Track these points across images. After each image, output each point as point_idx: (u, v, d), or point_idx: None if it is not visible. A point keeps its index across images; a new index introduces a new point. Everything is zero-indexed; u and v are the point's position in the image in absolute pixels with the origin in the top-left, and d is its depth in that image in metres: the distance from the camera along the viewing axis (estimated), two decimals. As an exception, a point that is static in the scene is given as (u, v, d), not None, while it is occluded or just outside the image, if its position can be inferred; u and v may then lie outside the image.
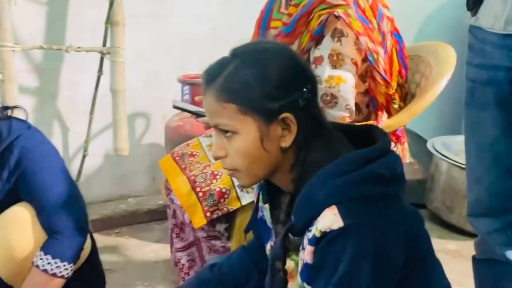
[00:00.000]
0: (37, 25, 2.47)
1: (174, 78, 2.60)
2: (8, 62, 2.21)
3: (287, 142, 1.02)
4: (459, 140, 3.09)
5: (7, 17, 2.22)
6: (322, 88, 1.50)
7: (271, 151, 1.02)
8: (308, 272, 0.98)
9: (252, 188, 1.55)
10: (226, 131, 1.03)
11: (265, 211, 1.17)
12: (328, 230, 0.92)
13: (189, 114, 2.46)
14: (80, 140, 2.60)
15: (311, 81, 1.05)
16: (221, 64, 1.03)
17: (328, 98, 1.51)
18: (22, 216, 1.57)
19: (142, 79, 2.72)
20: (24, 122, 1.67)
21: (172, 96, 2.69)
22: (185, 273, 1.73)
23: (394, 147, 1.60)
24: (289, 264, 1.05)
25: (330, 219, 0.92)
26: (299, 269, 1.00)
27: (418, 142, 3.05)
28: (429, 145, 2.94)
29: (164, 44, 2.76)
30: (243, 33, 2.74)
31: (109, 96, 2.47)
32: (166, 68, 2.76)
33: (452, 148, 2.92)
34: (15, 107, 1.66)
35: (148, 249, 2.46)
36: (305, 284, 0.99)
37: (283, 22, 1.65)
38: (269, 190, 1.15)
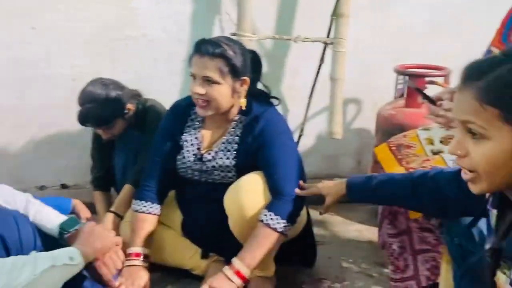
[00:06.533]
0: (270, 16, 2.76)
1: (389, 68, 2.68)
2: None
3: None
4: None
5: (248, 9, 2.54)
6: None
7: None
8: None
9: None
10: (474, 132, 0.97)
11: (492, 215, 1.15)
12: None
13: (403, 104, 2.54)
14: (298, 121, 2.86)
15: None
16: (491, 63, 0.97)
17: None
18: (255, 182, 1.87)
19: (358, 68, 2.85)
20: (271, 102, 1.97)
21: (385, 85, 2.79)
22: (395, 258, 1.84)
23: None
24: (500, 276, 1.01)
25: None
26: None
27: None
28: None
29: (382, 35, 2.85)
30: (463, 24, 2.71)
31: (327, 83, 2.66)
32: (381, 58, 2.85)
33: None
34: (273, 97, 2.02)
35: (352, 228, 2.62)
36: None
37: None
38: (501, 196, 1.10)
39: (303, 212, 1.96)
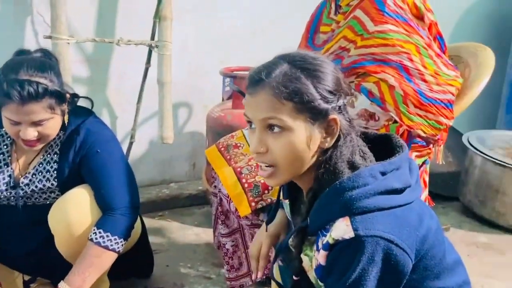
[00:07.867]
0: (90, 18, 2.61)
1: (216, 70, 2.71)
2: (63, 53, 2.35)
3: (329, 143, 1.08)
4: (494, 135, 3.13)
5: (62, 10, 2.36)
6: None
7: (312, 150, 1.08)
8: (321, 272, 1.08)
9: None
10: (273, 128, 1.07)
11: (285, 206, 1.27)
12: (340, 239, 1.00)
13: (231, 105, 2.59)
14: (128, 128, 2.74)
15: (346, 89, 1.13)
16: (275, 63, 1.08)
17: None
18: (81, 197, 1.73)
19: (186, 71, 2.84)
20: (89, 110, 1.82)
21: (213, 87, 2.82)
22: (229, 257, 1.85)
23: (432, 147, 1.67)
24: (304, 259, 1.13)
25: (342, 230, 1.00)
26: (314, 266, 1.09)
27: (453, 135, 3.09)
28: (464, 139, 2.99)
29: (207, 38, 2.87)
30: (281, 29, 2.87)
31: (155, 87, 2.60)
32: (208, 61, 2.88)
33: (486, 143, 2.96)
34: (84, 97, 1.81)
35: (190, 232, 2.59)
36: (318, 281, 1.09)
37: (332, 28, 1.73)
38: (289, 187, 1.25)
39: (137, 223, 1.87)
